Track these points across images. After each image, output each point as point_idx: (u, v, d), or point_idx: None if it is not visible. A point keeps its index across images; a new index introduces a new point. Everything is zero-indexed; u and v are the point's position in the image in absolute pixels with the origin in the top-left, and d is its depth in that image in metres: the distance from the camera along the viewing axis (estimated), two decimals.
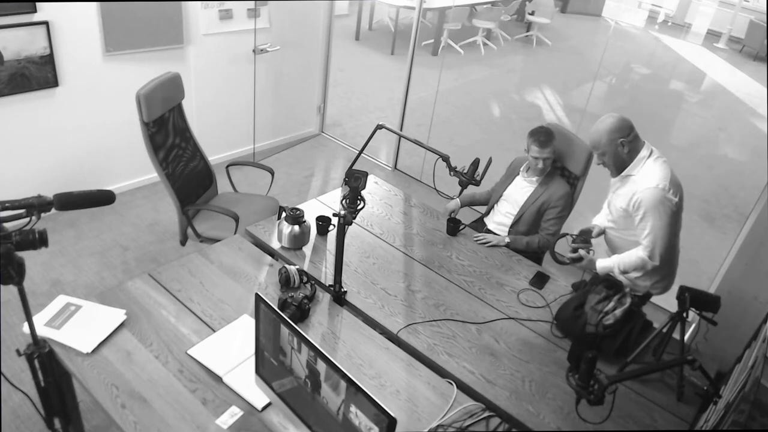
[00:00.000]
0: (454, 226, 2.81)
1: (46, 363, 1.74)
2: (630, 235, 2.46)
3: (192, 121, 3.16)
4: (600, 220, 2.65)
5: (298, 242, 2.53)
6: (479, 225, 3.06)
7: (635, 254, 2.41)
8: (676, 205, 2.30)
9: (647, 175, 2.32)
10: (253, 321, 1.82)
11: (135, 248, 3.55)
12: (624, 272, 2.45)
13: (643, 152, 2.35)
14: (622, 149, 2.33)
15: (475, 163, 2.71)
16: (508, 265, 2.66)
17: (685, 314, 2.04)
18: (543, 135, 2.72)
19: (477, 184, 2.74)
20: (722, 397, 1.87)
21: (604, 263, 2.46)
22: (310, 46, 4.91)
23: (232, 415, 1.73)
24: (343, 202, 2.48)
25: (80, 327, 1.92)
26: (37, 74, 3.29)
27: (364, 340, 2.08)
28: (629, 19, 8.12)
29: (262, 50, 4.27)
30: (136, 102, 2.67)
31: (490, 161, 2.77)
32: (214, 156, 4.01)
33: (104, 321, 1.97)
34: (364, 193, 2.60)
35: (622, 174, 2.40)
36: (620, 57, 7.25)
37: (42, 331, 1.87)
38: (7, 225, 1.50)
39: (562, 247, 2.53)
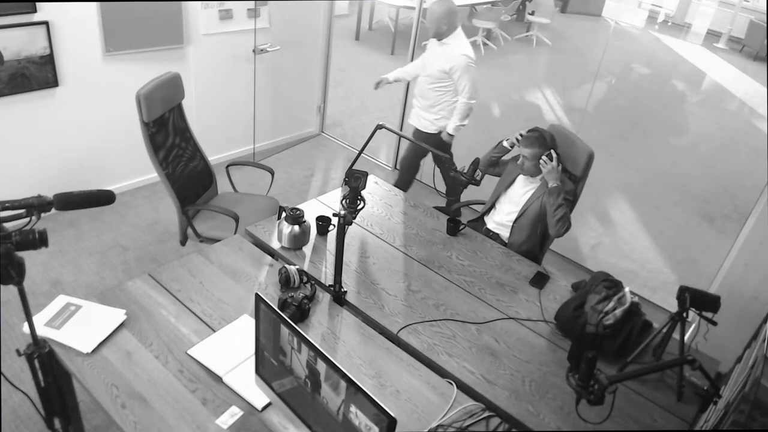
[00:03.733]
0: (454, 226, 2.81)
1: (46, 363, 1.74)
2: (442, 87, 3.58)
3: (192, 121, 3.15)
4: (410, 70, 3.85)
5: (298, 242, 2.53)
6: (479, 224, 3.06)
7: (460, 106, 3.56)
8: (474, 63, 3.51)
9: (456, 46, 3.49)
10: (253, 321, 1.83)
11: (135, 248, 3.55)
12: (461, 120, 3.59)
13: (457, 31, 3.50)
14: (444, 26, 3.46)
15: (475, 163, 2.71)
16: (508, 265, 2.66)
17: (685, 314, 2.04)
18: (530, 136, 2.76)
19: (477, 184, 2.74)
20: (722, 397, 1.87)
21: (448, 128, 3.62)
22: (310, 46, 4.91)
23: (232, 415, 1.73)
24: (343, 202, 2.48)
25: (80, 327, 1.92)
26: (37, 74, 3.29)
27: (364, 340, 2.08)
28: (629, 19, 8.11)
29: (262, 50, 4.27)
30: (136, 102, 2.67)
31: None
32: (214, 156, 4.01)
33: (104, 321, 1.97)
34: (364, 193, 2.60)
35: (441, 41, 3.53)
36: (620, 57, 7.25)
37: (42, 331, 1.87)
38: (7, 225, 1.50)
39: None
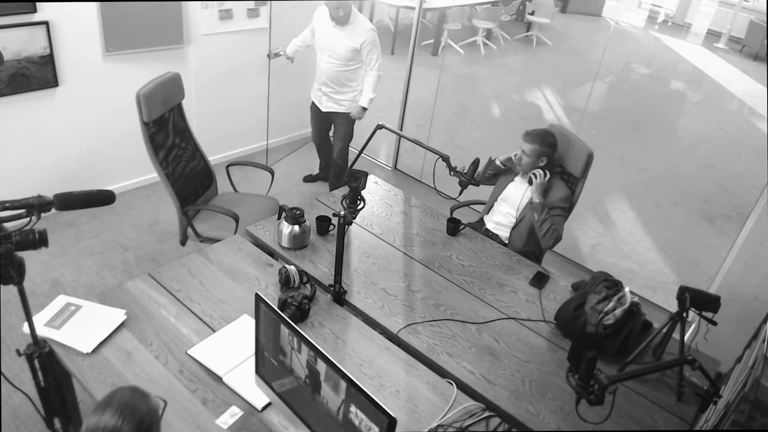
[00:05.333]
0: (454, 226, 2.81)
1: (46, 363, 1.74)
2: (352, 66, 3.75)
3: (192, 121, 3.16)
4: (306, 41, 3.99)
5: (298, 242, 2.53)
6: (479, 224, 3.06)
7: (371, 78, 3.77)
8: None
9: (360, 23, 3.67)
10: (253, 321, 1.83)
11: (135, 248, 3.55)
12: (373, 92, 3.80)
13: (355, 10, 3.66)
14: (348, 9, 3.59)
15: (475, 163, 2.71)
16: (508, 265, 2.66)
17: (685, 314, 2.04)
18: (533, 132, 2.78)
19: (477, 184, 2.74)
20: (722, 397, 1.87)
21: (363, 102, 3.83)
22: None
23: (232, 415, 1.73)
24: (343, 202, 2.48)
25: (80, 327, 1.93)
26: (37, 74, 3.29)
27: (364, 340, 2.08)
28: (629, 19, 8.10)
29: (276, 54, 4.11)
30: (136, 102, 2.67)
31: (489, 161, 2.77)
32: (214, 156, 4.01)
33: (104, 321, 1.97)
34: (364, 193, 2.60)
35: (347, 23, 3.64)
36: (620, 57, 7.24)
37: (42, 331, 1.87)
38: (7, 225, 1.50)
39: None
